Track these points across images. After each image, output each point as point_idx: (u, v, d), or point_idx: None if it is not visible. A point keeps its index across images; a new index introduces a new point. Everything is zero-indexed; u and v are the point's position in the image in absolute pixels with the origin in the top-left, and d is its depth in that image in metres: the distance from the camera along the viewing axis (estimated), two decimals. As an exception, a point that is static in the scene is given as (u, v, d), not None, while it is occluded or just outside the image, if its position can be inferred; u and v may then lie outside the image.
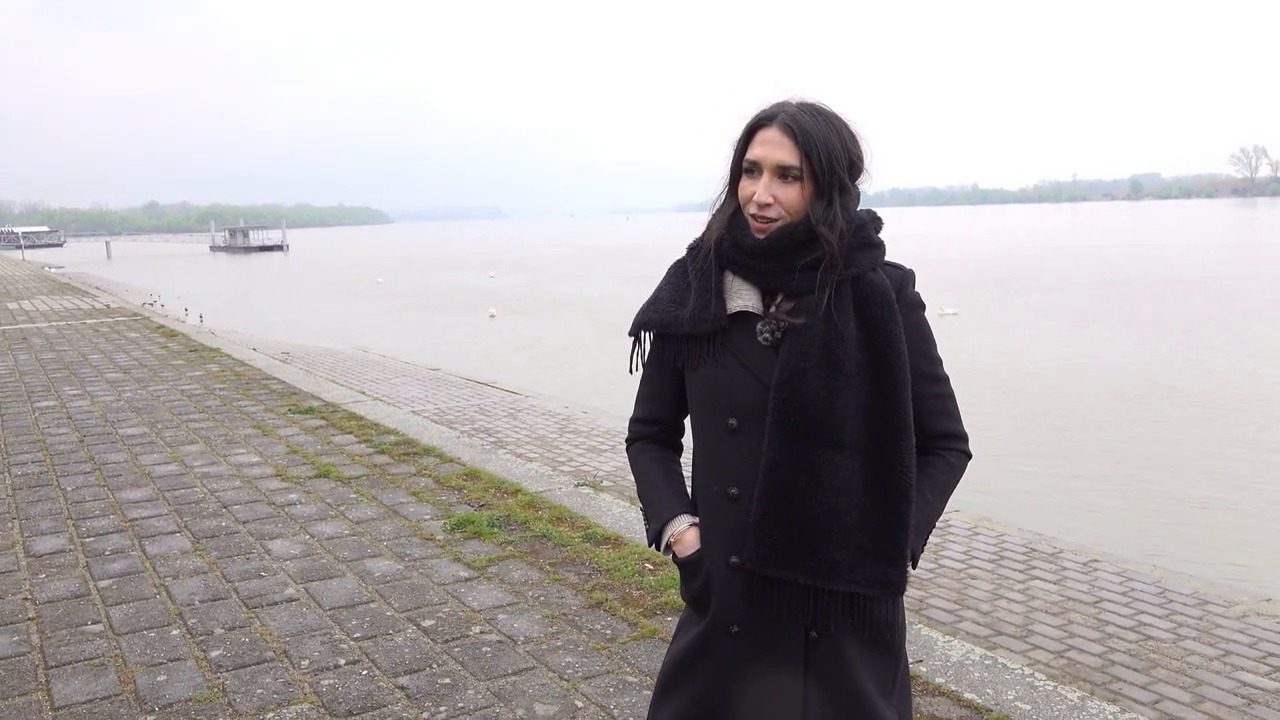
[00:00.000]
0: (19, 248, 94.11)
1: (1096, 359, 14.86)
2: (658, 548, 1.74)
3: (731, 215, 1.64)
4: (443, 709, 3.01)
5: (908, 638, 3.43)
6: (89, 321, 16.23)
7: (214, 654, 3.41)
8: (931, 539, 5.94)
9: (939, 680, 3.16)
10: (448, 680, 3.20)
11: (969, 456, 1.71)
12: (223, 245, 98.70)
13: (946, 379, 1.68)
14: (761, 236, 1.58)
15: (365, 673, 3.26)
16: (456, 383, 12.19)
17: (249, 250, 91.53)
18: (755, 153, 1.57)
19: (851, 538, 1.57)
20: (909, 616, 4.60)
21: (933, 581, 5.20)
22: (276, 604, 3.87)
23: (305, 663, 3.34)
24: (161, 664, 3.34)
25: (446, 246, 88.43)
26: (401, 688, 3.15)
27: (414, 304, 28.83)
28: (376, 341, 18.38)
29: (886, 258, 1.65)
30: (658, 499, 1.75)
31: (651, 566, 4.26)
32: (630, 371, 1.76)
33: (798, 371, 1.54)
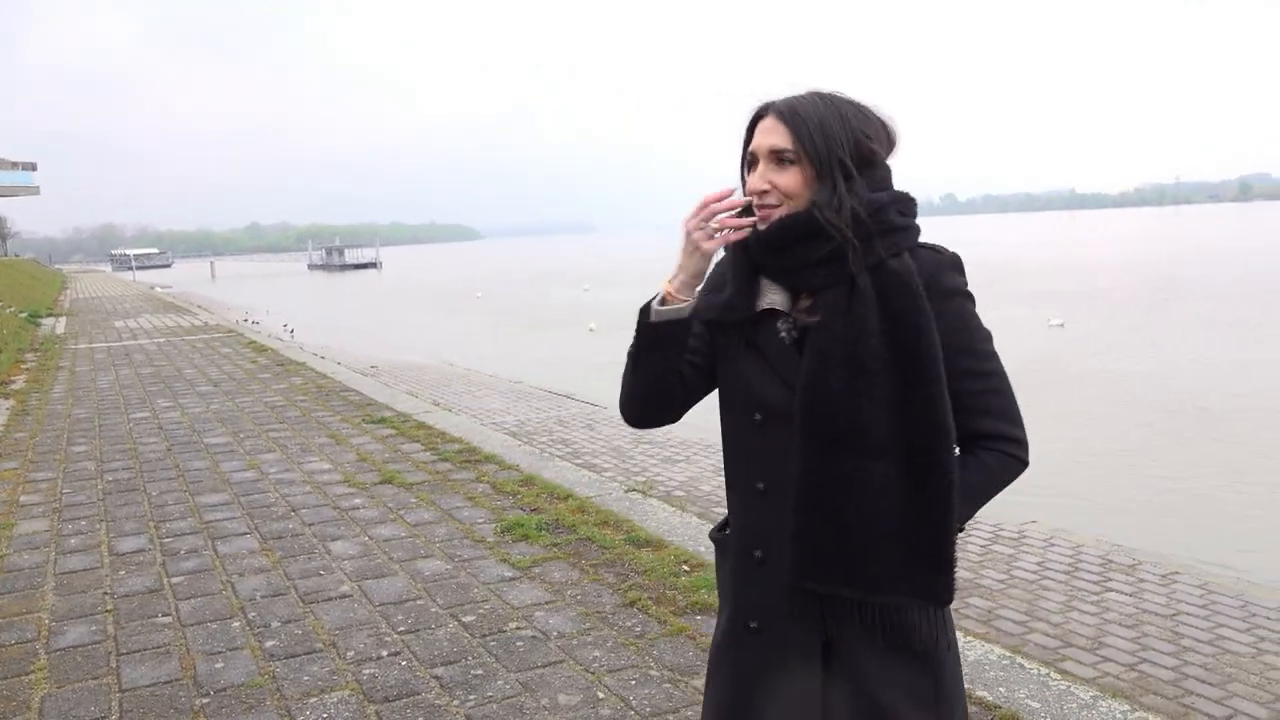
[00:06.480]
0: (131, 269, 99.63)
1: (1211, 369, 14.06)
2: (646, 317, 1.59)
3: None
4: (472, 698, 3.09)
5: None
6: (187, 338, 17.05)
7: (268, 644, 3.56)
8: (1004, 550, 5.78)
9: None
10: (480, 671, 3.28)
11: (1020, 462, 1.52)
12: (320, 264, 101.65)
13: (996, 374, 1.51)
14: (763, 228, 1.51)
15: (404, 663, 3.36)
16: (538, 395, 12.35)
17: (345, 268, 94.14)
18: (753, 144, 1.53)
19: (890, 547, 1.48)
20: (974, 626, 4.49)
21: (1003, 592, 5.04)
22: (331, 600, 4.02)
23: (350, 653, 3.46)
24: (220, 652, 3.51)
25: (540, 262, 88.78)
26: (436, 677, 3.24)
27: (511, 320, 28.59)
28: (470, 356, 18.29)
29: (926, 240, 1.53)
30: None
31: (688, 569, 4.26)
32: None
33: (820, 373, 1.46)
